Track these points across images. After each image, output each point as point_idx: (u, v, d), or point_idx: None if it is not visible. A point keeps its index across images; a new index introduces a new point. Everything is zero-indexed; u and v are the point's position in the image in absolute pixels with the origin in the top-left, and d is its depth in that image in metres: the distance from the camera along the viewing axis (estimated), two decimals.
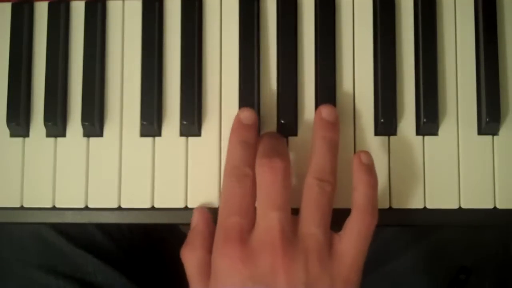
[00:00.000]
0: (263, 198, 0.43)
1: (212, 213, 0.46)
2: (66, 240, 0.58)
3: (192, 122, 0.47)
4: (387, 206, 0.47)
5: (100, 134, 0.48)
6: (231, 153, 0.45)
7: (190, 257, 0.45)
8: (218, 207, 0.45)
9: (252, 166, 0.44)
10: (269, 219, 0.42)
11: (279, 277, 0.41)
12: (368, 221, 0.43)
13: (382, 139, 0.47)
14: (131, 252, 0.63)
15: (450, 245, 0.58)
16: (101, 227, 0.61)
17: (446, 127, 0.47)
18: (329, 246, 0.42)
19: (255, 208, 0.44)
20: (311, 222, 0.42)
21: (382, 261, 0.60)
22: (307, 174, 0.44)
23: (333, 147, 0.45)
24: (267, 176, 0.43)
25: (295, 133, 0.47)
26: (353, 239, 0.43)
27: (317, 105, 0.47)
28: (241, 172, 0.44)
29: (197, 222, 0.46)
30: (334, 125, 0.45)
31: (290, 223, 0.42)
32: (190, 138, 0.48)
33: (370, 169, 0.44)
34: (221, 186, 0.46)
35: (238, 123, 0.46)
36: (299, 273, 0.41)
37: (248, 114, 0.46)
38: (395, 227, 0.60)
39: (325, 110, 0.46)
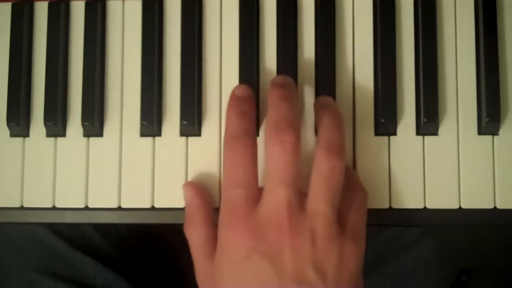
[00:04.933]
0: (271, 172, 0.42)
1: (213, 213, 0.46)
2: (65, 243, 0.58)
3: (192, 122, 0.47)
4: (387, 206, 0.47)
5: (100, 134, 0.48)
6: (230, 123, 0.44)
7: (193, 234, 0.45)
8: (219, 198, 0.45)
9: (252, 135, 0.43)
10: (276, 194, 0.41)
11: (286, 252, 0.40)
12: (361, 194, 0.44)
13: (382, 139, 0.47)
14: (129, 254, 0.63)
15: (451, 247, 0.58)
16: (100, 229, 0.61)
17: (446, 127, 0.47)
18: (336, 222, 0.42)
19: (257, 177, 0.43)
20: (320, 199, 0.41)
21: (383, 261, 0.60)
22: (316, 149, 0.43)
23: (340, 122, 0.44)
24: (276, 150, 0.41)
25: None
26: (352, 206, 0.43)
27: None
28: (241, 142, 0.43)
29: (190, 197, 0.46)
30: (335, 107, 0.45)
31: (297, 199, 0.41)
32: (190, 138, 0.48)
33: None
34: (222, 157, 0.45)
35: (234, 97, 0.45)
36: (306, 250, 0.40)
37: (243, 88, 0.46)
38: (396, 228, 0.60)
39: (324, 98, 0.46)
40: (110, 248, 0.61)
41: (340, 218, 0.42)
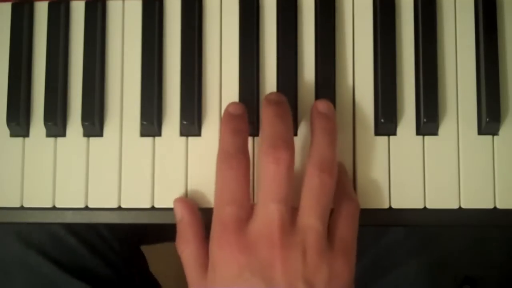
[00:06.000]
0: (265, 189, 0.42)
1: (211, 213, 0.46)
2: (55, 267, 0.56)
3: (192, 122, 0.47)
4: (387, 206, 0.47)
5: (100, 134, 0.48)
6: (224, 141, 0.45)
7: (186, 250, 0.45)
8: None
9: (245, 153, 0.44)
10: (269, 210, 0.42)
11: (277, 269, 0.41)
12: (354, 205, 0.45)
13: (382, 139, 0.47)
14: (122, 270, 0.61)
15: (454, 255, 0.57)
16: (91, 247, 0.58)
17: (446, 127, 0.47)
18: (326, 237, 0.42)
19: (249, 195, 0.43)
20: (311, 214, 0.42)
21: (385, 270, 0.59)
22: (307, 164, 0.43)
23: (333, 137, 0.44)
24: (270, 168, 0.42)
25: (295, 133, 0.47)
26: (343, 220, 0.44)
27: None
28: (234, 159, 0.43)
29: (182, 214, 0.46)
30: (332, 117, 0.45)
31: (289, 215, 0.42)
32: (190, 138, 0.48)
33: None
34: (215, 175, 0.45)
35: (227, 115, 0.45)
36: (297, 265, 0.41)
37: (236, 106, 0.46)
38: (396, 236, 0.59)
39: (321, 104, 0.46)
40: (101, 266, 0.59)
41: (331, 231, 0.43)
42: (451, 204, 0.46)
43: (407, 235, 0.59)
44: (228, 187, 0.43)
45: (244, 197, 0.43)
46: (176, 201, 0.46)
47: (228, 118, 0.45)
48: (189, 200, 0.47)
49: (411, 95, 0.47)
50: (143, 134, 0.48)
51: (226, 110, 0.46)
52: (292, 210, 0.42)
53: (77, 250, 0.58)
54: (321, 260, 0.41)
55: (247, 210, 0.43)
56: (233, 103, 0.46)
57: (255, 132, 0.47)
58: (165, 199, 0.47)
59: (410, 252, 0.58)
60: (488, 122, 0.46)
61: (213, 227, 0.43)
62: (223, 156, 0.44)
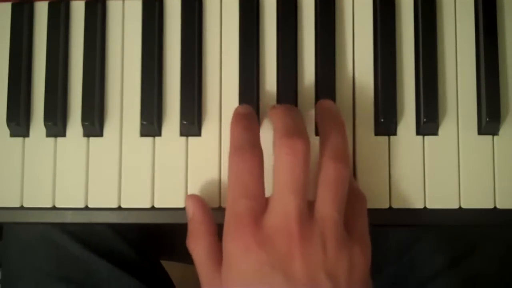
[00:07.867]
0: (281, 181, 0.41)
1: (213, 213, 0.46)
2: (80, 245, 0.57)
3: (192, 122, 0.47)
4: (387, 206, 0.47)
5: (100, 134, 0.48)
6: (235, 135, 0.44)
7: (197, 247, 0.44)
8: (220, 206, 0.45)
9: (258, 146, 0.43)
10: (286, 203, 0.41)
11: (297, 261, 0.40)
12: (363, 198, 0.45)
13: (382, 139, 0.47)
14: (144, 252, 0.62)
15: (481, 276, 0.57)
16: (115, 227, 0.59)
17: (446, 127, 0.47)
18: (344, 228, 0.42)
19: (263, 188, 0.42)
20: (329, 205, 0.41)
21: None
22: (321, 157, 0.43)
23: (342, 129, 0.44)
24: (287, 159, 0.41)
25: None
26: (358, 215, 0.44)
27: None
28: (247, 151, 0.43)
29: (193, 211, 0.45)
30: (337, 112, 0.45)
31: (306, 207, 0.41)
32: (190, 138, 0.48)
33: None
34: (228, 169, 0.44)
35: (237, 114, 0.45)
36: (318, 257, 0.40)
37: (245, 106, 0.46)
38: (426, 252, 0.59)
39: (325, 101, 0.46)
40: (126, 248, 0.59)
41: (346, 224, 0.42)
42: (451, 204, 0.46)
43: (404, 227, 0.58)
44: (242, 180, 0.42)
45: (259, 190, 0.42)
46: (188, 198, 0.46)
47: (238, 116, 0.45)
48: (200, 197, 0.46)
49: (411, 95, 0.47)
50: (143, 134, 0.48)
51: (235, 110, 0.46)
52: (308, 202, 0.42)
53: (101, 231, 0.58)
54: (341, 251, 0.41)
55: (262, 203, 0.42)
56: (242, 105, 0.47)
57: None
58: (165, 199, 0.48)
59: (437, 272, 0.57)
60: (488, 122, 0.46)
61: (227, 222, 0.42)
62: (235, 149, 0.43)
